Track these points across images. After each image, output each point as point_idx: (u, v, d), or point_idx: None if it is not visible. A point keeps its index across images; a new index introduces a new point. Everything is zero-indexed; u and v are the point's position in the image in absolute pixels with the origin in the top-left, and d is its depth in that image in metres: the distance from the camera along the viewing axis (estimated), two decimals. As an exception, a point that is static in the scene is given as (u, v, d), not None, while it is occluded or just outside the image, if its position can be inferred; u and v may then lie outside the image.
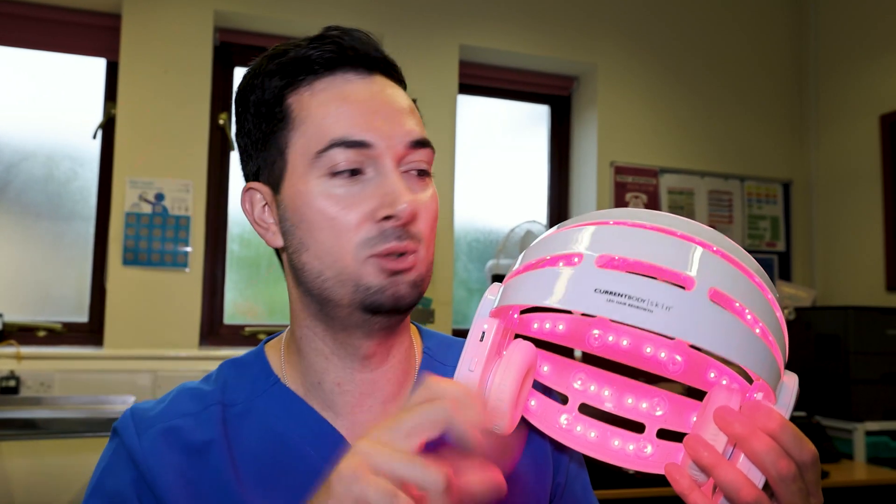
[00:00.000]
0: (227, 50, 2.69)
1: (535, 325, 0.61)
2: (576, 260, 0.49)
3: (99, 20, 2.52)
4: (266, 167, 0.66)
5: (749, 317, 0.48)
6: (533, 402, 0.62)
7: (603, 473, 1.99)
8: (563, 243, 0.51)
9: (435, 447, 0.44)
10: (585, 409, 0.63)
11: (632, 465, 0.58)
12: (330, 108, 0.63)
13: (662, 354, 0.58)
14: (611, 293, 0.46)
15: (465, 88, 2.93)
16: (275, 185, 0.65)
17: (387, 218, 0.61)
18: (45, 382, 2.23)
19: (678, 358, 0.57)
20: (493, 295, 0.56)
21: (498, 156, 3.09)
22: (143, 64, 2.45)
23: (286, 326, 0.73)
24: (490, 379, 0.54)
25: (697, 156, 3.10)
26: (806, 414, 2.49)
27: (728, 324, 0.46)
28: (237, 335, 2.61)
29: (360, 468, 0.43)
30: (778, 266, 3.18)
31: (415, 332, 0.76)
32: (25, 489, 1.84)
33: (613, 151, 2.97)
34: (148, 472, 0.61)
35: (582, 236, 0.51)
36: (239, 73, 0.67)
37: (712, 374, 0.56)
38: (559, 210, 3.12)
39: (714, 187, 3.11)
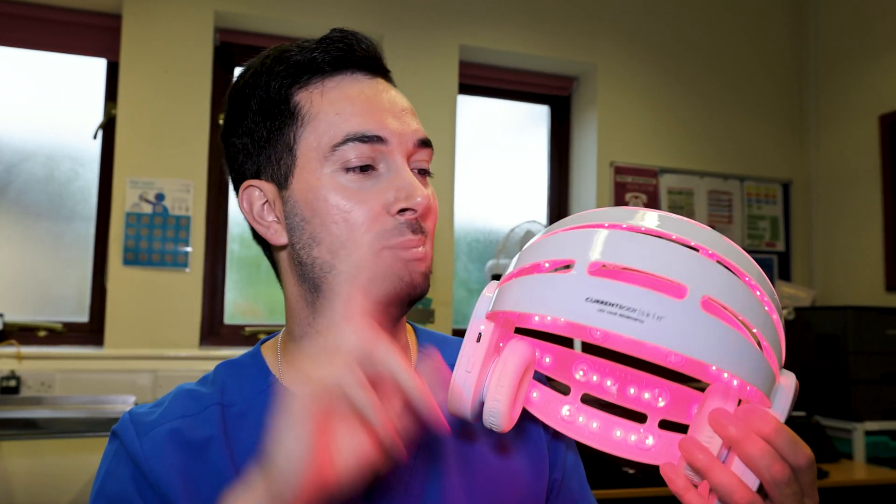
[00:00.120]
0: (228, 50, 2.69)
1: (536, 318, 0.62)
2: (568, 267, 0.49)
3: (99, 20, 2.53)
4: (270, 164, 0.66)
5: (743, 323, 0.48)
6: (535, 394, 0.63)
7: (603, 473, 1.99)
8: (557, 248, 0.51)
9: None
10: (588, 400, 0.63)
11: (633, 456, 0.58)
12: (342, 105, 0.64)
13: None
14: (602, 302, 0.46)
15: (465, 89, 2.93)
16: (281, 181, 0.66)
17: (402, 211, 0.63)
18: (45, 382, 2.24)
19: None
20: (491, 293, 0.56)
21: (498, 156, 3.09)
22: (144, 64, 2.45)
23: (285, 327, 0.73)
24: (487, 380, 0.55)
25: (697, 156, 3.10)
26: (805, 414, 2.49)
27: (720, 333, 0.45)
28: (237, 335, 2.61)
29: (311, 376, 0.45)
30: (777, 266, 3.19)
31: (410, 331, 0.77)
32: (26, 489, 1.84)
33: (613, 151, 2.97)
34: (150, 473, 0.62)
35: (575, 241, 0.50)
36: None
37: (714, 367, 0.56)
38: (559, 210, 3.13)
39: (714, 187, 3.11)
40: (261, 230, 0.68)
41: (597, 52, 2.99)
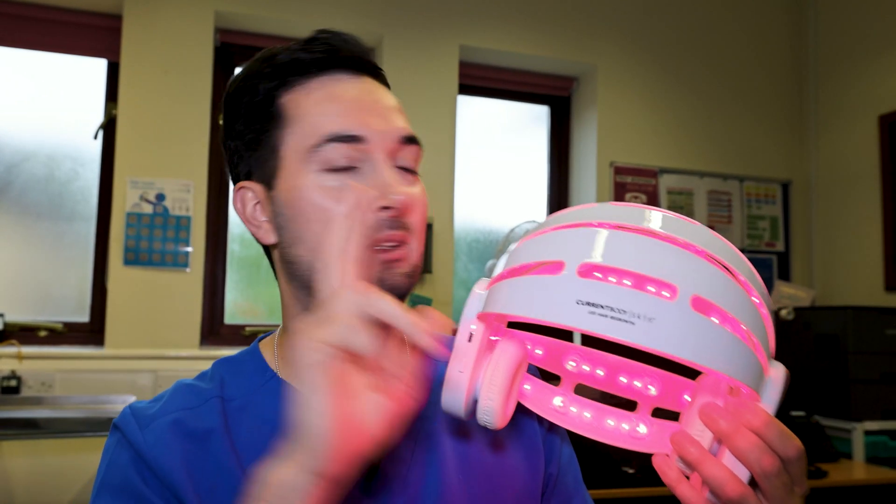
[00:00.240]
0: (228, 50, 2.69)
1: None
2: (558, 269, 0.49)
3: (100, 21, 2.53)
4: (258, 166, 0.68)
5: (732, 320, 0.48)
6: (528, 386, 0.63)
7: (603, 473, 1.99)
8: (547, 248, 0.51)
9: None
10: (580, 391, 0.63)
11: (626, 445, 0.59)
12: (324, 105, 0.65)
13: None
14: (592, 305, 0.46)
15: (466, 89, 2.93)
16: (268, 182, 0.67)
17: (382, 209, 0.63)
18: (46, 382, 2.24)
19: None
20: (481, 290, 0.56)
21: (498, 156, 3.09)
22: (144, 64, 2.45)
23: None
24: (480, 379, 0.55)
25: (697, 156, 3.11)
26: (805, 413, 2.50)
27: (710, 333, 0.46)
28: (238, 335, 2.61)
29: (313, 329, 0.45)
30: (777, 266, 3.19)
31: None
32: (26, 488, 1.84)
33: (613, 152, 2.98)
34: (154, 462, 0.62)
35: (565, 241, 0.51)
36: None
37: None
38: (559, 210, 3.13)
39: (713, 187, 3.11)
40: (252, 230, 0.70)
41: (597, 53, 2.99)
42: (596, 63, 2.99)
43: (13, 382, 2.19)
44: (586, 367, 0.60)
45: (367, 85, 0.68)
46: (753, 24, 3.25)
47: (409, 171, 0.68)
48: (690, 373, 0.54)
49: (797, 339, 2.74)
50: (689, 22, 3.14)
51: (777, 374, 0.50)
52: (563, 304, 0.47)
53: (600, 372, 0.59)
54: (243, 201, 0.70)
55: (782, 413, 2.47)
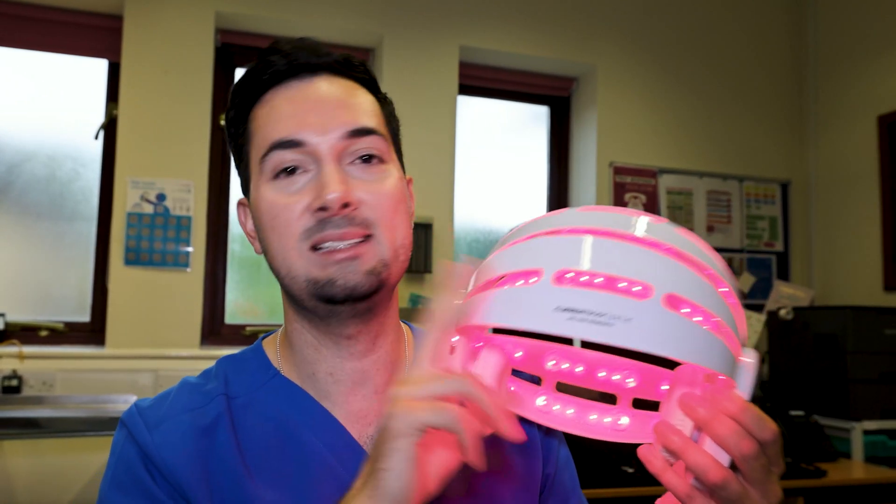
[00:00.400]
0: (228, 51, 2.70)
1: None
2: (533, 278, 0.51)
3: (100, 21, 2.53)
4: (244, 181, 0.72)
5: (703, 313, 0.51)
6: (512, 388, 0.65)
7: (602, 472, 2.00)
8: (522, 257, 0.54)
9: None
10: (562, 388, 0.65)
11: (610, 437, 0.60)
12: (270, 115, 0.67)
13: None
14: (570, 310, 0.48)
15: (466, 89, 2.94)
16: (248, 195, 0.71)
17: (318, 210, 0.64)
18: (47, 382, 2.25)
19: None
20: (461, 301, 0.58)
21: (498, 156, 3.10)
22: (145, 65, 2.46)
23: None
24: None
25: (696, 156, 3.11)
26: (804, 413, 2.50)
27: (683, 328, 0.48)
28: (238, 335, 2.62)
29: (407, 404, 0.49)
30: (776, 266, 3.20)
31: (408, 329, 0.78)
32: (27, 488, 1.85)
33: (613, 152, 2.98)
34: (162, 464, 0.63)
35: (537, 250, 0.53)
36: (240, 74, 0.72)
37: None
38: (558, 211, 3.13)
39: (713, 187, 3.12)
40: (250, 242, 0.73)
41: (596, 53, 3.00)
42: (596, 63, 2.99)
43: (14, 382, 2.20)
44: (566, 365, 0.61)
45: (316, 85, 0.68)
46: (753, 24, 3.26)
47: (367, 160, 0.67)
48: (667, 363, 0.57)
49: (796, 338, 2.74)
50: (689, 22, 3.15)
51: (749, 360, 0.53)
52: (543, 311, 0.49)
53: (579, 369, 0.61)
54: (244, 216, 0.73)
55: (781, 413, 2.48)
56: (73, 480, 1.87)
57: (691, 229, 3.04)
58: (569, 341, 0.63)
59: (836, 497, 2.19)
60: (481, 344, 0.59)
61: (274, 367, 0.72)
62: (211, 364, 0.74)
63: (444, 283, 0.55)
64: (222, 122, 2.60)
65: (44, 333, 2.40)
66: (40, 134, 2.53)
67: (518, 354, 0.64)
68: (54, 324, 2.43)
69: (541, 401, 0.63)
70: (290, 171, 0.65)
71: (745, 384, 0.52)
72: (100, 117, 2.56)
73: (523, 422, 0.73)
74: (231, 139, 0.72)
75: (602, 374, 0.61)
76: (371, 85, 0.72)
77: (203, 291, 2.47)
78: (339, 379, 0.69)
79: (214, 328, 2.60)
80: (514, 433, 0.49)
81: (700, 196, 3.09)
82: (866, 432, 2.51)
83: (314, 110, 0.66)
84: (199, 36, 2.52)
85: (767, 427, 0.51)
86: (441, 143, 2.72)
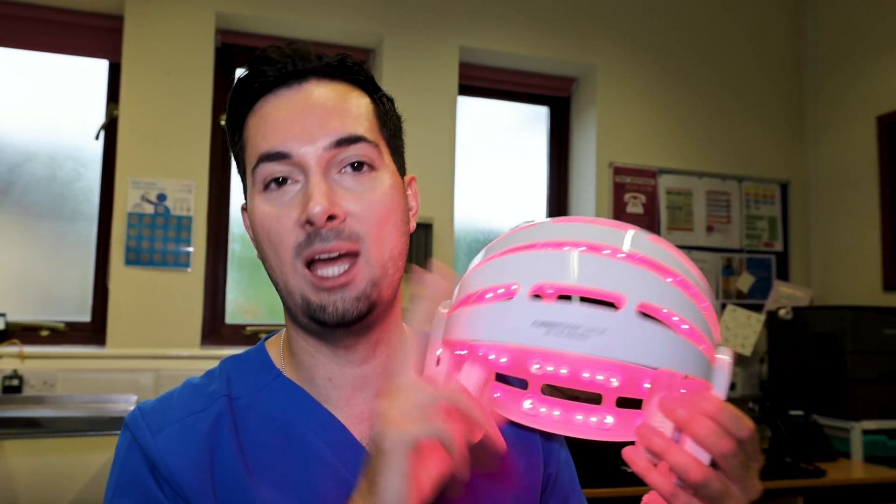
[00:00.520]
0: (229, 51, 2.70)
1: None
2: (511, 293, 0.53)
3: (101, 22, 2.54)
4: (243, 187, 0.73)
5: (676, 319, 0.52)
6: (497, 394, 0.66)
7: (602, 472, 2.00)
8: (498, 273, 0.55)
9: None
10: (547, 392, 0.67)
11: (596, 436, 0.62)
12: (258, 127, 0.67)
13: None
14: (547, 324, 0.50)
15: (466, 89, 2.94)
16: (247, 202, 0.71)
17: (305, 224, 0.63)
18: (47, 381, 2.25)
19: None
20: (445, 311, 0.59)
21: (498, 156, 3.10)
22: (145, 65, 2.46)
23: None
24: None
25: (696, 156, 3.12)
26: (803, 413, 2.51)
27: (657, 336, 0.50)
28: (238, 335, 2.62)
29: (396, 421, 0.50)
30: (776, 266, 3.20)
31: (410, 330, 0.78)
32: (28, 488, 1.85)
33: (612, 152, 2.98)
34: (165, 469, 0.63)
35: (513, 265, 0.54)
36: (240, 75, 0.71)
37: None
38: (558, 210, 3.14)
39: (712, 188, 3.12)
40: (253, 245, 0.73)
41: (596, 53, 3.00)
42: (595, 63, 3.00)
43: (15, 382, 2.20)
44: (550, 368, 0.62)
45: (304, 93, 0.67)
46: (753, 24, 3.26)
47: (358, 168, 0.65)
48: None
49: (796, 338, 2.75)
50: (689, 22, 3.15)
51: (723, 361, 0.54)
52: (522, 326, 0.51)
53: (564, 371, 0.62)
54: (246, 221, 0.74)
55: (781, 413, 2.48)
56: (73, 480, 1.87)
57: (691, 229, 3.06)
58: None
59: (835, 497, 2.19)
60: (465, 352, 0.60)
61: (276, 368, 0.72)
62: (211, 364, 0.74)
63: (420, 292, 0.56)
64: (223, 123, 2.60)
65: (45, 333, 2.41)
66: (41, 134, 2.53)
67: (503, 360, 0.65)
68: (55, 324, 2.43)
69: (527, 404, 0.65)
70: (280, 181, 0.65)
71: (720, 384, 0.54)
72: (100, 117, 2.56)
73: (524, 426, 0.74)
74: (230, 145, 0.73)
75: (586, 374, 0.62)
76: (367, 85, 0.70)
77: (203, 291, 2.47)
78: (339, 384, 0.70)
79: (215, 328, 2.61)
80: (500, 440, 0.51)
81: (700, 196, 3.10)
82: (866, 432, 2.51)
83: (301, 119, 0.65)
84: (200, 36, 2.53)
85: (744, 425, 0.52)
86: (441, 144, 2.73)
